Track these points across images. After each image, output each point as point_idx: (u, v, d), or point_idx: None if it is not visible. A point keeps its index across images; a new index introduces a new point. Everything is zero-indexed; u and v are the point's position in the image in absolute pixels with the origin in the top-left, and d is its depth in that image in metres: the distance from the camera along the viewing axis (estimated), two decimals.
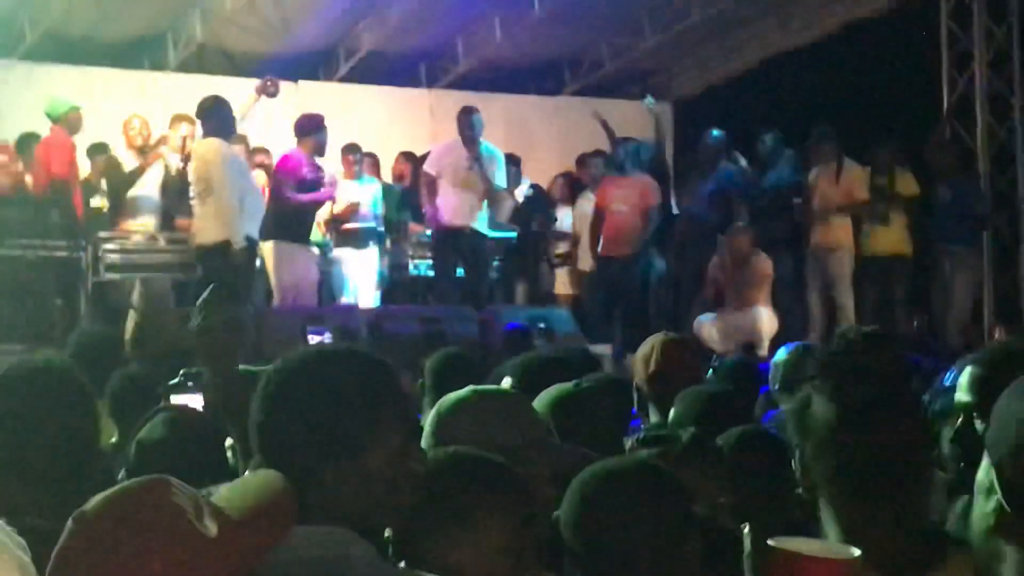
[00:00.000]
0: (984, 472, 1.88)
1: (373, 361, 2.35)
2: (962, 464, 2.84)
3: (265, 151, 12.36)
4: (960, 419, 2.79)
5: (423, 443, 2.74)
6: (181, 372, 4.79)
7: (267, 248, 10.95)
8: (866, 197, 11.76)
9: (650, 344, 4.82)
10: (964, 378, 2.88)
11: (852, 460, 2.33)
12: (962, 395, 2.89)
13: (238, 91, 12.32)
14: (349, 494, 2.22)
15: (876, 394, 2.37)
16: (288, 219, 11.04)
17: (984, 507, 1.87)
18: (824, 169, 11.92)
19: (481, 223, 11.47)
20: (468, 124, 11.47)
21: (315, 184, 11.14)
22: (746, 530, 2.85)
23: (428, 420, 2.86)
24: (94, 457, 2.88)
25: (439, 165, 11.45)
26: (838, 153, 11.90)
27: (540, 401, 3.45)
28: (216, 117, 10.33)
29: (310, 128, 11.24)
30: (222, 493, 2.02)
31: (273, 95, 10.99)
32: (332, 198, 11.53)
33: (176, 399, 4.69)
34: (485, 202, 11.51)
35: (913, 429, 2.40)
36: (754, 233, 11.45)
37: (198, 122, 10.60)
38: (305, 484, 2.16)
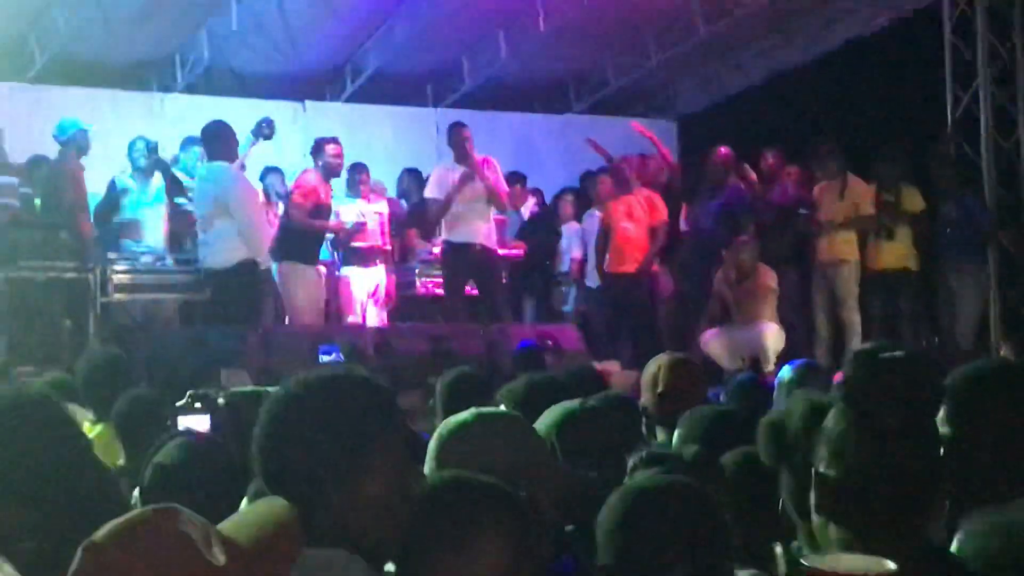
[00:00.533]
0: None
1: (371, 385, 2.37)
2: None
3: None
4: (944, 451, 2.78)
5: (425, 465, 2.76)
6: (188, 394, 4.83)
7: (277, 269, 11.02)
8: (871, 212, 11.79)
9: (656, 365, 4.82)
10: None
11: (872, 485, 2.30)
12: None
13: (246, 112, 12.41)
14: (351, 517, 2.24)
15: (905, 423, 2.33)
16: (298, 240, 11.10)
17: None
18: (828, 185, 11.96)
19: (491, 239, 11.48)
20: (458, 139, 11.44)
21: (328, 210, 11.24)
22: (779, 550, 2.82)
23: (431, 443, 2.87)
24: (85, 480, 2.88)
25: (441, 189, 11.41)
26: (842, 169, 11.93)
27: (544, 420, 3.45)
28: (220, 141, 10.46)
29: (317, 151, 11.36)
30: (229, 523, 2.03)
31: (269, 137, 11.25)
32: (343, 231, 11.55)
33: (183, 420, 4.72)
34: (492, 209, 11.48)
35: (933, 456, 2.37)
36: (757, 246, 11.47)
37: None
38: (307, 508, 2.18)
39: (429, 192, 11.55)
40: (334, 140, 11.56)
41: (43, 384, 6.19)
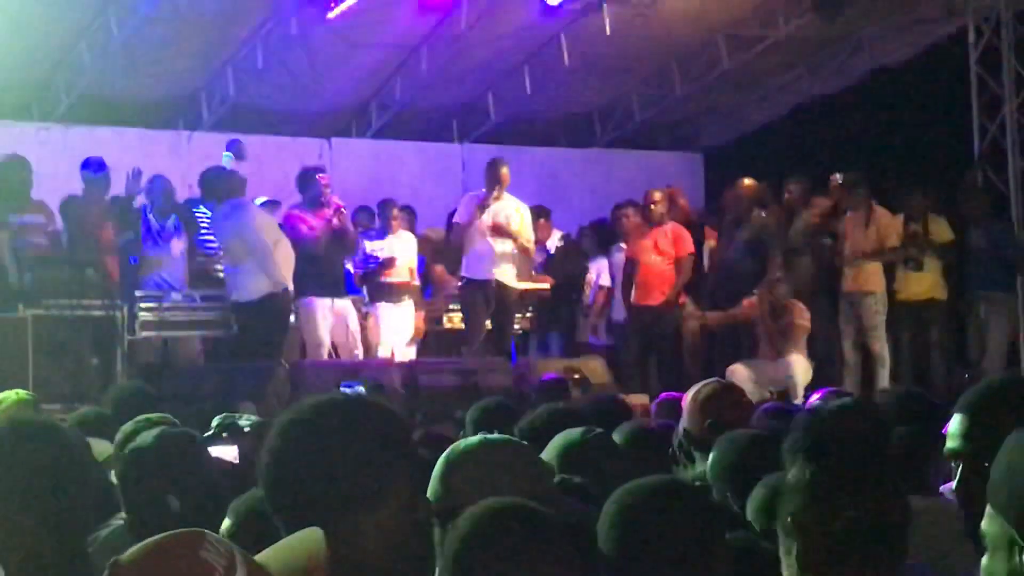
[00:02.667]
0: (995, 526, 1.87)
1: (383, 411, 2.31)
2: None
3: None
4: (960, 468, 2.75)
5: (430, 491, 2.73)
6: (215, 423, 4.82)
7: (300, 303, 11.03)
8: (896, 243, 11.75)
9: (707, 391, 4.78)
10: (954, 425, 2.84)
11: (826, 534, 2.31)
12: (952, 443, 2.84)
13: (272, 150, 12.49)
14: (363, 547, 2.18)
15: (854, 467, 2.36)
16: (316, 273, 11.08)
17: (1000, 564, 1.87)
18: (854, 215, 11.93)
19: (507, 275, 11.49)
20: (495, 176, 11.50)
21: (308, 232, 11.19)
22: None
23: (436, 467, 2.83)
24: (91, 517, 2.89)
25: (469, 214, 11.46)
26: (868, 199, 11.91)
27: (548, 449, 3.44)
28: (222, 181, 10.73)
29: (300, 182, 11.37)
30: (269, 551, 2.03)
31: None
32: (334, 217, 11.30)
33: (213, 450, 4.71)
34: (515, 251, 11.51)
35: (888, 503, 2.38)
36: (790, 283, 11.47)
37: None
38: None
39: (459, 217, 11.67)
40: (322, 169, 11.60)
41: (72, 418, 6.19)
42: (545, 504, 2.65)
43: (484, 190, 11.52)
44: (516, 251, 11.53)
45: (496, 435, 3.04)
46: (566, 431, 3.64)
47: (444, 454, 2.86)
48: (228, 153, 11.78)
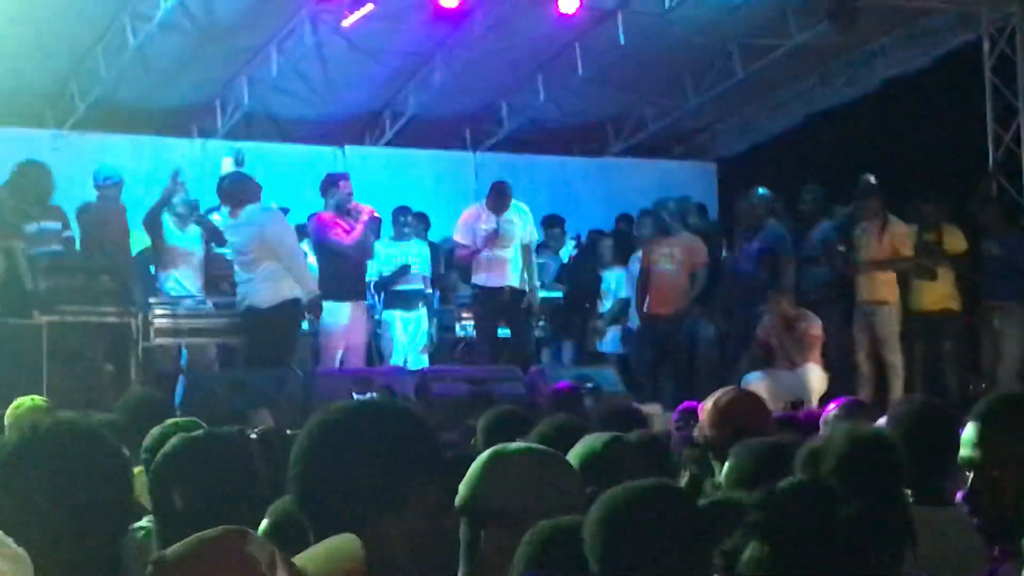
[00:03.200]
0: None
1: (410, 416, 2.32)
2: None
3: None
4: (972, 476, 2.75)
5: (462, 492, 2.73)
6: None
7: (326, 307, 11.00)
8: (910, 253, 11.73)
9: (727, 399, 4.78)
10: (967, 434, 2.84)
11: None
12: (965, 451, 2.84)
13: (286, 157, 12.50)
14: (390, 550, 2.18)
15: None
16: (344, 277, 11.10)
17: None
18: (868, 225, 11.90)
19: (516, 279, 11.52)
20: (499, 197, 11.58)
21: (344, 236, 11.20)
22: None
23: (471, 470, 2.84)
24: (127, 519, 2.89)
25: (471, 234, 11.51)
26: (882, 209, 11.88)
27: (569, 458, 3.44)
28: (240, 187, 10.70)
29: (324, 188, 11.37)
30: (307, 552, 2.04)
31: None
32: (359, 226, 11.30)
33: None
34: (520, 257, 11.55)
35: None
36: (797, 296, 11.46)
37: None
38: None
39: (457, 236, 11.74)
40: (345, 176, 11.64)
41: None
42: (572, 511, 2.68)
43: (484, 205, 11.57)
44: (522, 254, 11.56)
45: (534, 444, 3.04)
46: (587, 437, 3.63)
47: (480, 456, 2.86)
48: (228, 157, 11.78)
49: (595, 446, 3.57)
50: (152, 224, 11.07)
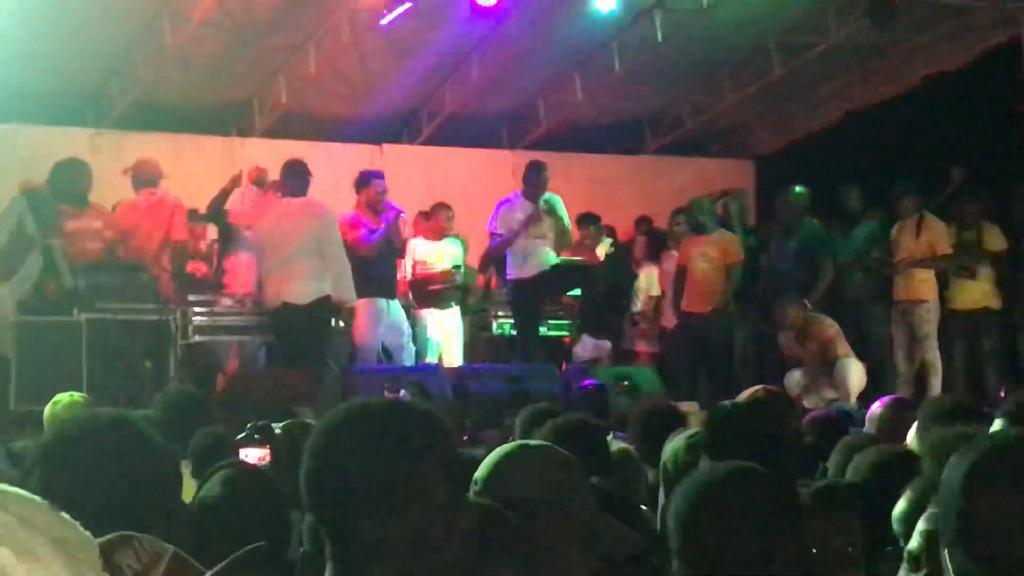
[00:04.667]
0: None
1: (418, 413, 2.30)
2: None
3: None
4: None
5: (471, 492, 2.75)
6: (248, 425, 4.85)
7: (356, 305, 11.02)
8: (947, 252, 11.68)
9: (750, 397, 4.81)
10: (995, 430, 2.85)
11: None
12: None
13: (323, 156, 12.53)
14: (395, 552, 2.16)
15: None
16: (370, 275, 11.11)
17: None
18: (905, 224, 11.86)
19: (551, 261, 11.50)
20: (536, 178, 11.49)
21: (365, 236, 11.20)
22: None
23: (479, 471, 2.85)
24: (164, 513, 2.90)
25: (507, 222, 11.45)
26: (919, 207, 11.83)
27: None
28: (300, 177, 10.63)
29: (358, 185, 11.37)
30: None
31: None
32: (387, 226, 11.30)
33: (244, 452, 4.76)
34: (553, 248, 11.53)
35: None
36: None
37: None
38: (352, 541, 2.14)
39: (493, 226, 11.62)
40: (380, 174, 11.62)
41: None
42: (574, 509, 2.69)
43: (519, 194, 11.51)
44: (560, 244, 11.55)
45: (537, 441, 3.09)
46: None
47: (487, 457, 2.88)
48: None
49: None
50: (217, 215, 11.22)
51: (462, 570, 2.23)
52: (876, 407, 5.81)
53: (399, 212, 11.37)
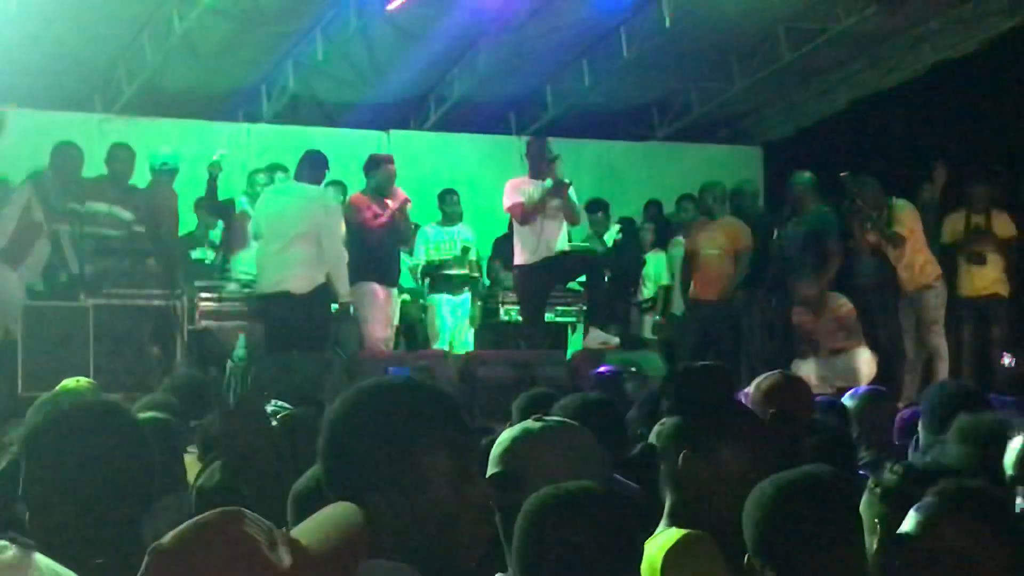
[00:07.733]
0: None
1: (429, 390, 2.33)
2: None
3: None
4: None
5: (488, 471, 2.75)
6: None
7: (361, 289, 10.97)
8: (958, 238, 11.66)
9: (770, 382, 4.80)
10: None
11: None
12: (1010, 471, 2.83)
13: (331, 141, 12.51)
14: (408, 527, 2.19)
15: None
16: (375, 260, 11.08)
17: None
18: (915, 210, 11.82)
19: (563, 245, 11.41)
20: (536, 152, 11.39)
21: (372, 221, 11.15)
22: None
23: (494, 449, 2.87)
24: (148, 495, 2.93)
25: (519, 192, 11.24)
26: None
27: None
28: (317, 168, 10.62)
29: (367, 168, 11.34)
30: (300, 526, 2.04)
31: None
32: (393, 212, 11.20)
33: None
34: (567, 226, 11.44)
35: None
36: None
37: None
38: (366, 515, 2.15)
39: (507, 200, 11.31)
40: (390, 159, 11.57)
41: (138, 406, 6.24)
42: (603, 484, 2.70)
43: (527, 177, 11.42)
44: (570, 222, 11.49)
45: (554, 418, 3.07)
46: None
47: (501, 435, 2.89)
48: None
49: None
50: (222, 206, 11.23)
51: (475, 544, 2.25)
52: (847, 399, 5.87)
53: (406, 200, 11.33)
